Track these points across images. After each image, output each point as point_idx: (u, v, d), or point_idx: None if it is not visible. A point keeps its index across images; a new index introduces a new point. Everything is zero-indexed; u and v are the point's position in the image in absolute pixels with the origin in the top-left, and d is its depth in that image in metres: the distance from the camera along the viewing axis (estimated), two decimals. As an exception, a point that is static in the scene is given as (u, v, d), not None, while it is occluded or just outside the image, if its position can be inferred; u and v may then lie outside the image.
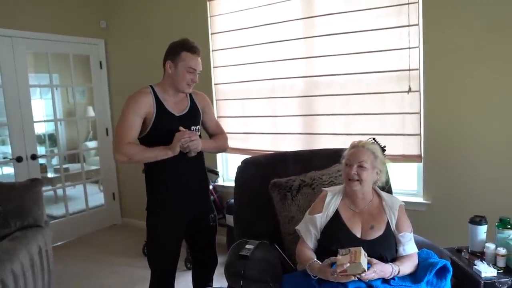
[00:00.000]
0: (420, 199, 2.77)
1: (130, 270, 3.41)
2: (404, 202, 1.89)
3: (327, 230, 1.79)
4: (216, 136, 2.26)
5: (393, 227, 1.78)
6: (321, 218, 1.81)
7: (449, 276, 1.70)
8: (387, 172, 1.89)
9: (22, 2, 3.68)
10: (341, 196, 1.86)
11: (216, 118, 2.58)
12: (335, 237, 1.74)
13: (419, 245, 1.84)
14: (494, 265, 1.87)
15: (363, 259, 1.51)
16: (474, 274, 1.84)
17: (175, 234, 2.11)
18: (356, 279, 1.52)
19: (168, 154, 1.94)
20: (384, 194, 1.88)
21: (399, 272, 1.64)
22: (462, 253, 2.04)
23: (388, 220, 1.79)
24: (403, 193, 2.80)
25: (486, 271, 1.81)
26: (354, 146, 1.84)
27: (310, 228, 1.82)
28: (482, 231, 2.02)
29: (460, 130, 2.58)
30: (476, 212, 2.10)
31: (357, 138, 1.95)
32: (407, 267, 1.69)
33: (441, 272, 1.70)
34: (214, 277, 2.35)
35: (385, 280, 1.61)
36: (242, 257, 1.79)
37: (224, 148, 2.31)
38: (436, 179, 2.70)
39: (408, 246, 1.76)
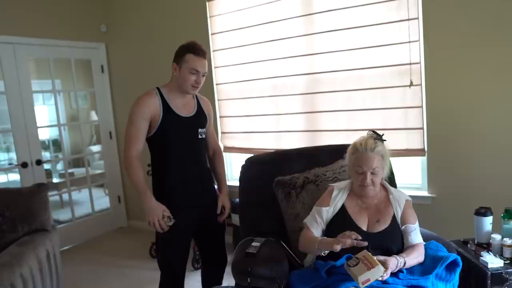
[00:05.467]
0: (425, 193, 2.77)
1: (137, 272, 3.42)
2: (409, 196, 1.89)
3: (334, 223, 1.80)
4: (218, 161, 2.33)
5: (399, 220, 1.79)
6: (328, 212, 1.82)
7: (459, 270, 1.70)
8: (390, 164, 1.87)
9: (22, 8, 3.71)
10: (348, 191, 1.87)
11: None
12: (342, 230, 1.70)
13: (426, 238, 1.84)
14: (501, 255, 1.87)
15: (376, 260, 1.50)
16: (481, 265, 1.84)
17: (185, 235, 2.13)
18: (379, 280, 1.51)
19: (143, 200, 1.98)
20: (391, 188, 1.89)
21: (405, 263, 1.63)
22: (469, 245, 2.04)
23: (394, 214, 1.79)
24: (407, 187, 2.80)
25: (493, 262, 1.81)
26: (362, 150, 1.75)
27: (316, 218, 1.83)
28: (487, 222, 2.01)
29: (462, 123, 2.57)
30: (481, 204, 2.09)
31: (360, 134, 1.94)
32: (413, 257, 1.68)
33: (450, 266, 1.70)
34: (220, 275, 2.37)
35: (393, 274, 1.60)
36: (249, 255, 1.80)
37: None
38: (440, 172, 2.69)
39: (413, 236, 1.76)
